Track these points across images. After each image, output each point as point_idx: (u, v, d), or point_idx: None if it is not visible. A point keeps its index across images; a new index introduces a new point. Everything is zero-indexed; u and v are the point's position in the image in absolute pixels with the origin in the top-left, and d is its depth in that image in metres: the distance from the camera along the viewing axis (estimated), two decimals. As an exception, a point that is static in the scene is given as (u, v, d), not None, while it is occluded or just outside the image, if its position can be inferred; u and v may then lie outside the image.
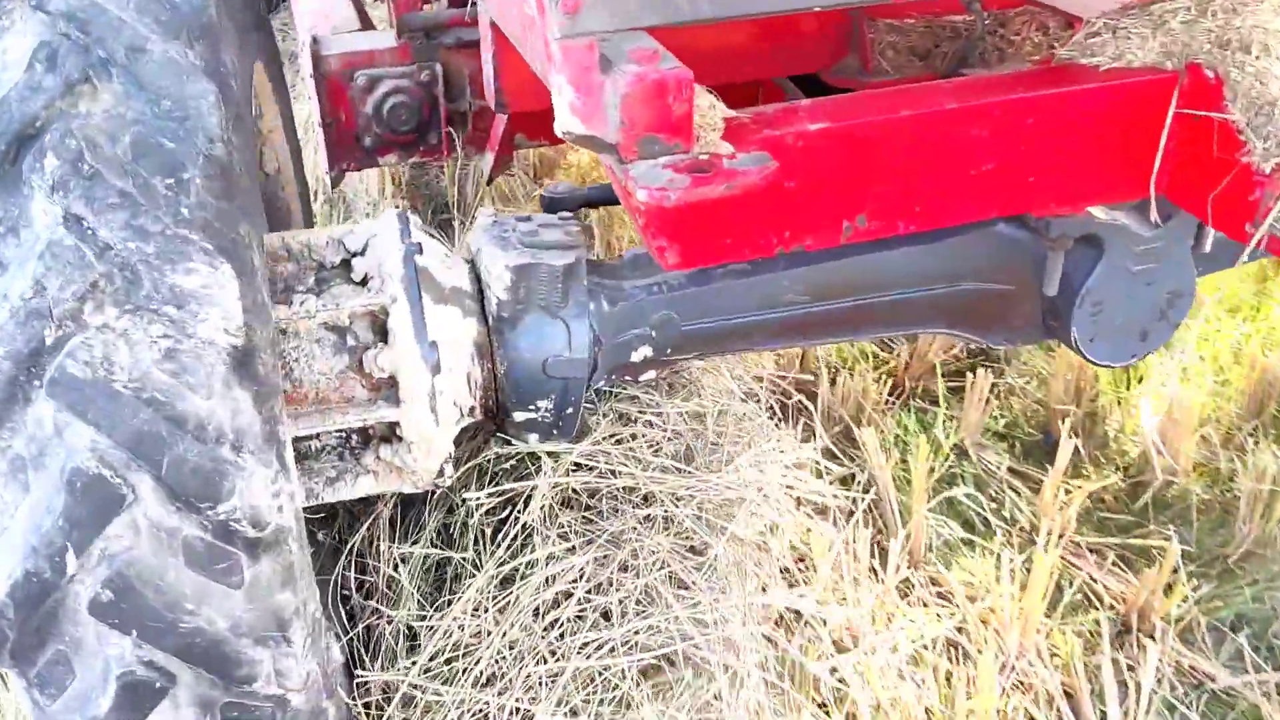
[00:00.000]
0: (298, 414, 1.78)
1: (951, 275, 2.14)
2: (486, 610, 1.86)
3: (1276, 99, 1.56)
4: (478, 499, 1.95)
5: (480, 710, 1.80)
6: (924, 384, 3.40)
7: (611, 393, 2.19)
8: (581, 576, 1.88)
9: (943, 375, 3.36)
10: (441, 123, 2.37)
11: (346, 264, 1.89)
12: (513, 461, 2.03)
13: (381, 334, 1.83)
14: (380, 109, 2.24)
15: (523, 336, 1.91)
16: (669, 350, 2.07)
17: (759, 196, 1.54)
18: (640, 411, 2.15)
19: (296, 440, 1.81)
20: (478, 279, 1.97)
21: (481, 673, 1.82)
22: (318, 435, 1.85)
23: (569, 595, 1.89)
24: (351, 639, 1.97)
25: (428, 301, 1.83)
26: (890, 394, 3.34)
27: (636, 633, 1.84)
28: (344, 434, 1.89)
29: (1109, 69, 1.73)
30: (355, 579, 2.02)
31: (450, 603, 1.92)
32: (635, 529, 1.96)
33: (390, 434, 1.88)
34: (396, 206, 2.09)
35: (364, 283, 1.87)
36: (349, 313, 1.81)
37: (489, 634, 1.84)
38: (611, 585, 1.89)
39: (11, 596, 1.38)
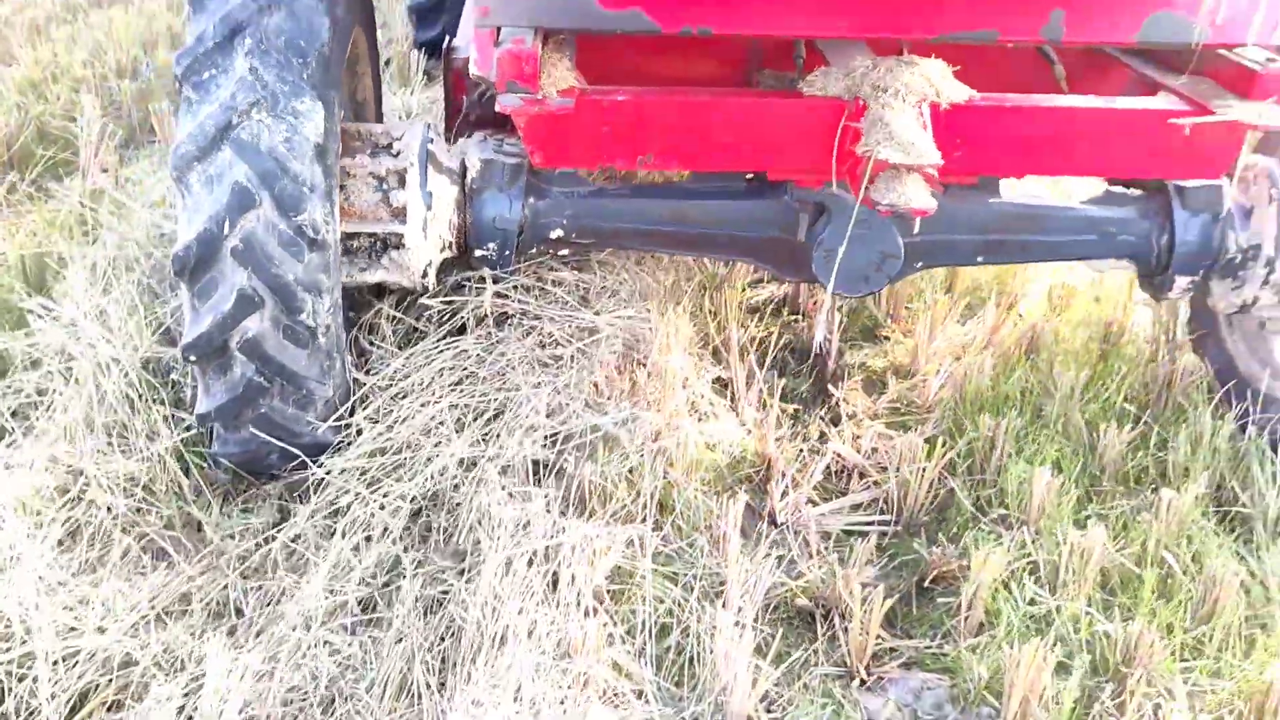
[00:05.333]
0: (350, 221, 2.86)
1: (749, 224, 3.07)
2: (427, 356, 3.06)
3: (882, 116, 2.60)
4: (434, 302, 3.19)
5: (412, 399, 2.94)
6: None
7: (541, 261, 3.32)
8: (478, 352, 3.10)
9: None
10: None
11: (390, 145, 2.93)
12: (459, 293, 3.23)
13: (401, 183, 2.87)
14: (481, 98, 3.17)
15: (483, 201, 2.96)
16: (574, 235, 3.05)
17: (585, 130, 2.75)
18: (553, 271, 3.37)
19: (348, 237, 2.86)
20: (464, 167, 2.99)
21: (414, 387, 2.96)
22: (359, 235, 2.89)
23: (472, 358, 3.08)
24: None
25: (431, 170, 2.90)
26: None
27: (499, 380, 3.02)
28: (373, 239, 2.90)
29: (811, 94, 2.74)
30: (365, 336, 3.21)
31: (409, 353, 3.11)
32: (519, 337, 3.14)
33: (399, 243, 2.89)
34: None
35: (398, 156, 2.90)
36: (385, 168, 2.87)
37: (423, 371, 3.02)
38: (490, 356, 3.08)
39: (197, 239, 2.48)
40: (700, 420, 3.15)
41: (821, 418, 3.42)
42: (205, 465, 2.85)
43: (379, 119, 3.56)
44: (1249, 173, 3.03)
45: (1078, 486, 2.95)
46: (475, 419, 2.89)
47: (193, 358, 2.58)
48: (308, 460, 2.75)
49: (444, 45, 3.35)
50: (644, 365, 3.20)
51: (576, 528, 2.53)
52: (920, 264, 3.11)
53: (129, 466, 2.75)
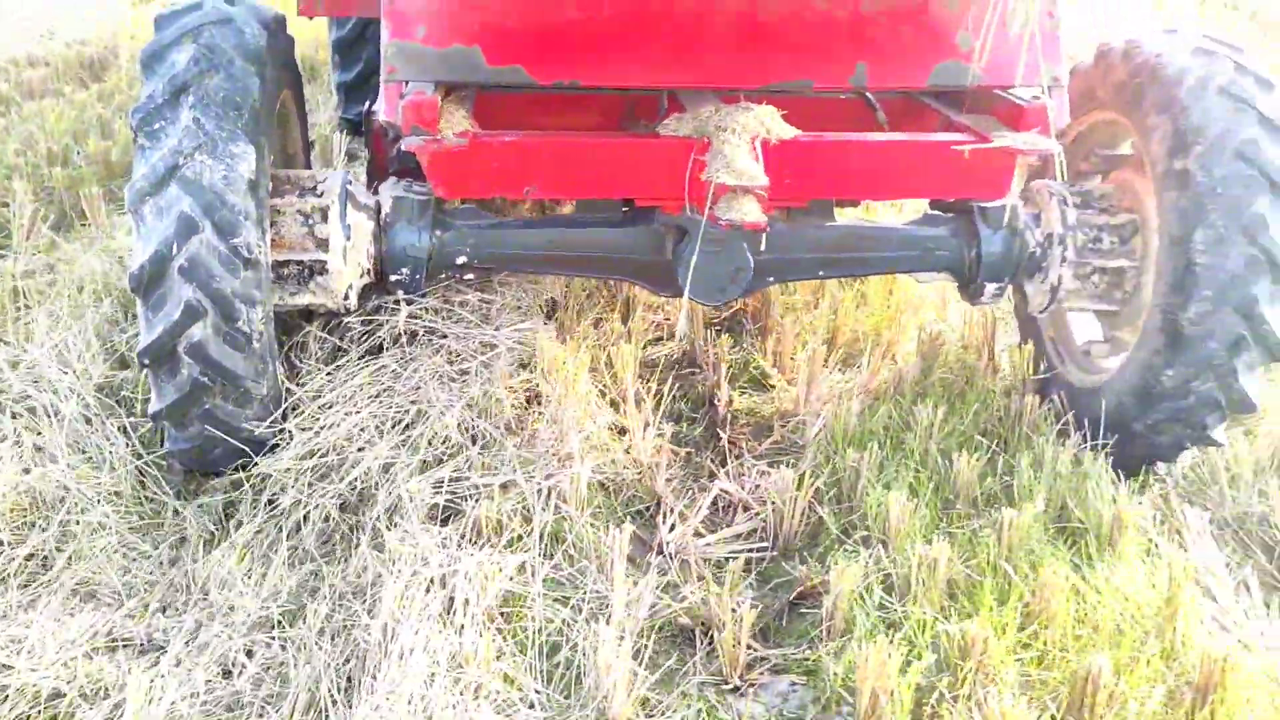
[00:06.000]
0: (281, 251, 3.31)
1: (624, 247, 3.57)
2: (349, 373, 3.56)
3: (721, 150, 3.15)
4: (355, 320, 3.69)
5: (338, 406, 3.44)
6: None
7: (449, 285, 3.87)
8: (394, 368, 3.59)
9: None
10: None
11: (314, 187, 3.41)
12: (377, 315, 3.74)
13: (324, 218, 3.34)
14: (398, 153, 3.52)
15: (396, 233, 3.43)
16: (477, 262, 3.52)
17: (478, 166, 3.23)
18: (459, 294, 3.94)
19: (280, 265, 3.32)
20: (379, 205, 3.46)
21: (338, 399, 3.45)
22: (289, 263, 3.34)
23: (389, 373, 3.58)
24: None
25: (350, 207, 3.38)
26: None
27: (414, 393, 3.50)
28: (301, 266, 3.35)
29: (667, 135, 3.27)
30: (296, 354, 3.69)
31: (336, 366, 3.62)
32: (430, 354, 3.65)
33: (324, 269, 3.35)
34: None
35: (321, 195, 3.38)
36: (311, 205, 3.34)
37: (347, 384, 3.52)
38: (404, 374, 3.56)
39: (150, 260, 2.94)
40: (597, 461, 3.43)
41: (711, 459, 3.73)
42: (161, 466, 3.36)
43: (307, 166, 4.15)
44: (1033, 192, 3.66)
45: (930, 509, 3.27)
46: (393, 427, 3.35)
47: (147, 361, 3.04)
48: (249, 454, 3.24)
49: (365, 110, 3.94)
50: (542, 412, 3.50)
51: (471, 556, 2.79)
52: (771, 278, 3.66)
53: (91, 474, 3.24)
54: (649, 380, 3.99)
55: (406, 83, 3.12)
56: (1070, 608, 2.91)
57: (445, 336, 3.73)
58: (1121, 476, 3.50)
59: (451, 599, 2.71)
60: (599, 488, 3.36)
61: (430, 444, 3.27)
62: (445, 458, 3.24)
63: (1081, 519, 3.26)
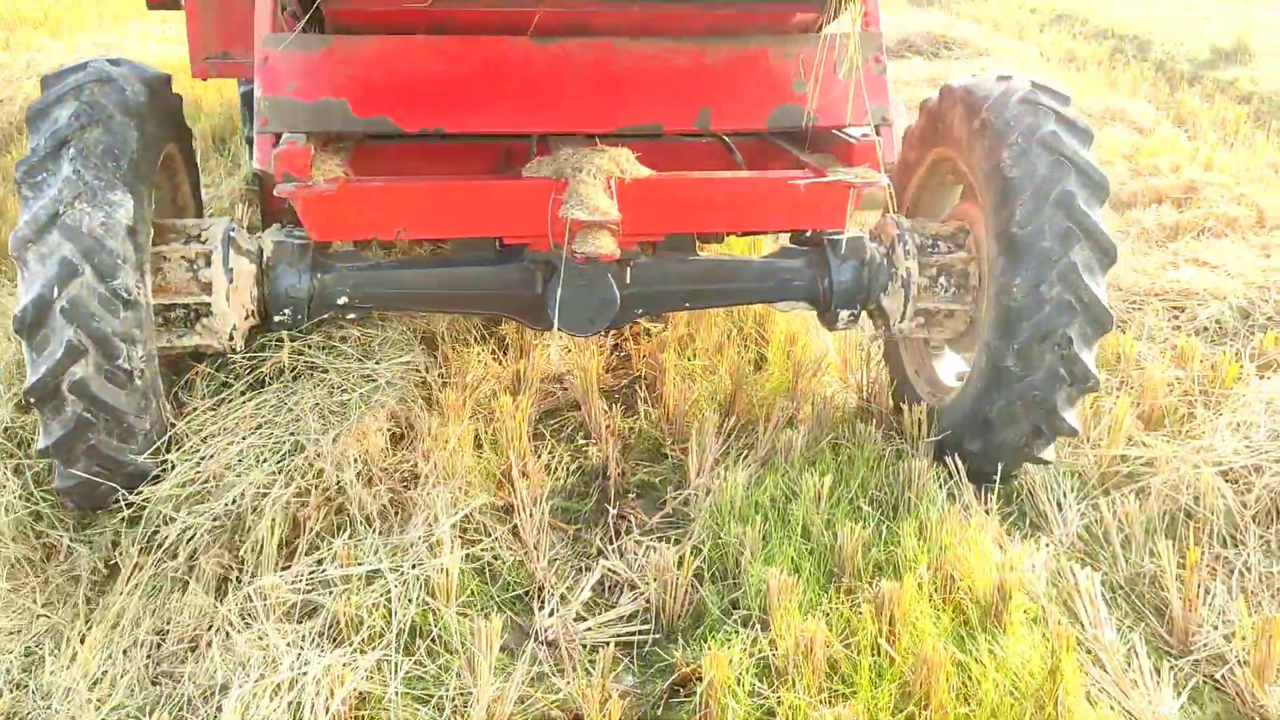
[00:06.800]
0: (168, 295, 3.42)
1: (496, 284, 3.72)
2: (232, 406, 3.65)
3: (577, 189, 3.34)
4: (240, 359, 3.78)
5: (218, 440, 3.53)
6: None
7: (333, 321, 3.87)
8: (276, 401, 3.70)
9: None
10: None
11: (199, 235, 3.51)
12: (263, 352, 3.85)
13: (208, 263, 3.44)
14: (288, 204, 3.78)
15: (277, 276, 3.55)
16: (357, 301, 3.63)
17: (350, 209, 3.37)
18: (341, 329, 4.05)
19: (166, 308, 3.44)
20: (261, 249, 3.58)
21: (220, 431, 3.55)
22: (175, 307, 3.44)
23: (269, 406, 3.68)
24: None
25: (232, 251, 3.48)
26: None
27: (293, 425, 3.61)
28: (187, 309, 3.46)
29: (529, 176, 3.47)
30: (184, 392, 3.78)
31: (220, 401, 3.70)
32: (311, 385, 3.78)
33: (209, 311, 3.46)
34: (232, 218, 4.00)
35: (205, 242, 3.48)
36: (195, 251, 3.46)
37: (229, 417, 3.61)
38: (285, 406, 3.66)
39: (33, 303, 3.02)
40: (471, 545, 3.32)
41: (600, 536, 3.62)
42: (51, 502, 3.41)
43: (199, 215, 4.25)
44: (879, 229, 3.94)
45: (812, 584, 3.18)
46: (272, 454, 3.47)
47: (33, 400, 3.11)
48: (133, 488, 3.31)
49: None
50: (412, 497, 3.39)
51: (320, 659, 2.66)
52: (640, 310, 3.82)
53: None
54: (539, 453, 3.90)
55: (279, 135, 3.30)
56: (952, 684, 2.83)
57: (326, 371, 3.85)
58: (1011, 537, 3.45)
59: (299, 704, 2.57)
60: (474, 574, 3.24)
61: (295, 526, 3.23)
62: (309, 549, 3.12)
63: (968, 587, 3.19)
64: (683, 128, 3.56)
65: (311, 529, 3.25)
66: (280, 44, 3.25)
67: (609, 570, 3.41)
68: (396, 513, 3.42)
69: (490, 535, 3.42)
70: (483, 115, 3.37)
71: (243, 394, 3.68)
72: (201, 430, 3.51)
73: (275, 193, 3.28)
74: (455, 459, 3.59)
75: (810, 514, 3.45)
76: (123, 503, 3.28)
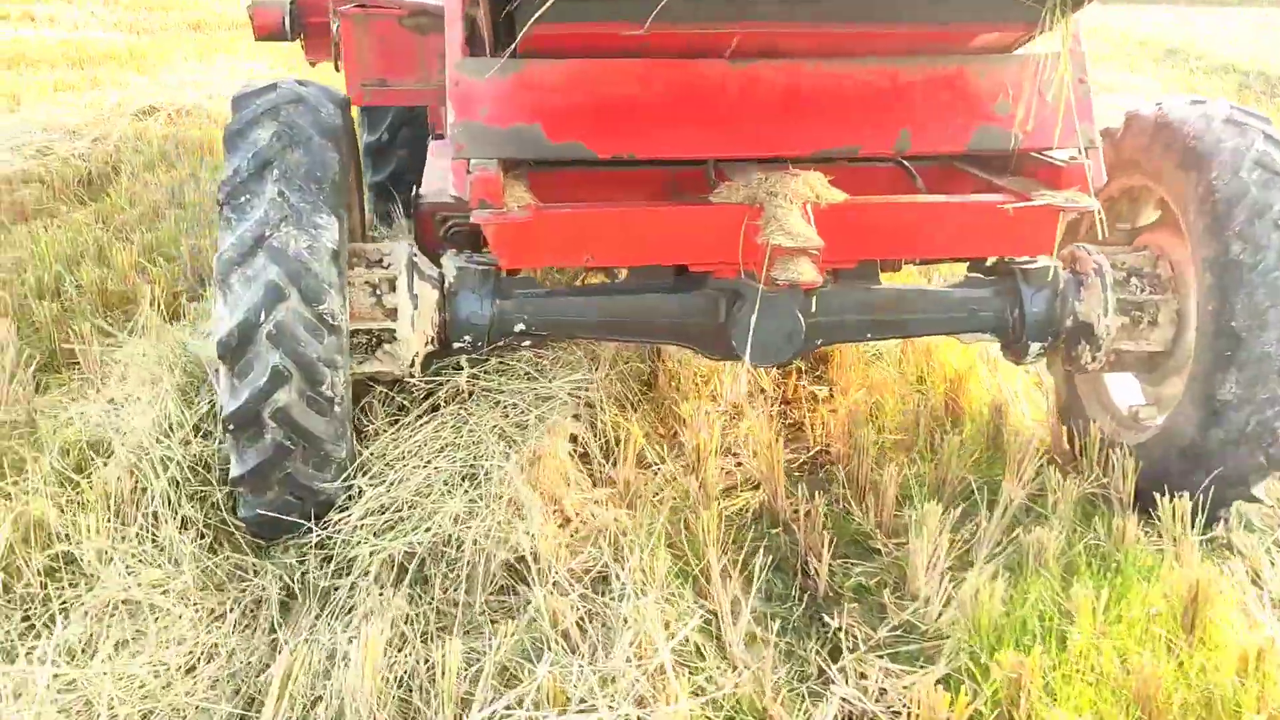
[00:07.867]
0: (353, 321, 3.33)
1: (677, 312, 3.62)
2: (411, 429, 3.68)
3: (775, 214, 3.20)
4: (417, 382, 3.80)
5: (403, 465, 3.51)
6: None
7: (509, 347, 3.76)
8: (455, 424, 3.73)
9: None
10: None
11: (381, 260, 3.48)
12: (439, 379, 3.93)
13: (392, 288, 3.42)
14: (447, 232, 3.92)
15: (459, 302, 3.49)
16: (534, 328, 3.57)
17: (540, 236, 3.28)
18: (516, 357, 4.12)
19: (349, 333, 3.27)
20: (443, 275, 3.53)
21: (404, 456, 3.54)
22: (358, 333, 3.39)
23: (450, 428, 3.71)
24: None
25: (415, 277, 3.45)
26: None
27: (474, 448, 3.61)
28: (370, 335, 3.42)
29: (719, 202, 3.34)
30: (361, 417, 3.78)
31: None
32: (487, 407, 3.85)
33: (391, 338, 3.43)
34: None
35: (389, 267, 3.45)
36: (379, 277, 3.43)
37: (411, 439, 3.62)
38: (465, 427, 3.70)
39: (238, 327, 3.00)
40: (689, 673, 2.78)
41: (818, 651, 3.07)
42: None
43: (365, 240, 4.19)
44: (1070, 257, 3.70)
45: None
46: (461, 480, 3.43)
47: (232, 427, 3.06)
48: (319, 517, 3.26)
49: (412, 195, 4.18)
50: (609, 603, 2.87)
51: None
52: (820, 340, 3.66)
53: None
54: (729, 549, 3.37)
55: (470, 160, 3.22)
56: None
57: (502, 392, 3.86)
58: None
59: None
60: (697, 711, 2.69)
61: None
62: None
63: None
64: (881, 151, 3.46)
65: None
66: (474, 71, 3.20)
67: (845, 700, 2.85)
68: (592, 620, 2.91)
69: (702, 655, 2.88)
70: (675, 140, 3.32)
71: (419, 417, 3.67)
72: (385, 455, 3.49)
73: (473, 219, 3.18)
74: (652, 559, 3.07)
75: (1088, 638, 2.86)
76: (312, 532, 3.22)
